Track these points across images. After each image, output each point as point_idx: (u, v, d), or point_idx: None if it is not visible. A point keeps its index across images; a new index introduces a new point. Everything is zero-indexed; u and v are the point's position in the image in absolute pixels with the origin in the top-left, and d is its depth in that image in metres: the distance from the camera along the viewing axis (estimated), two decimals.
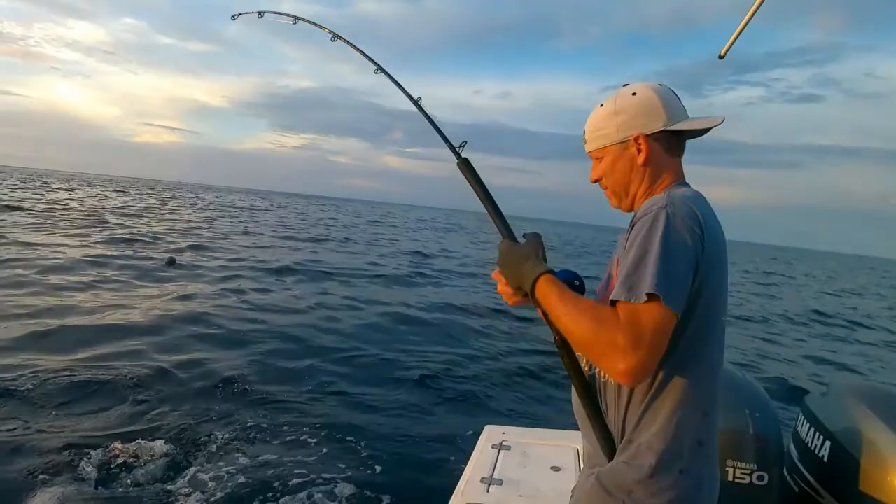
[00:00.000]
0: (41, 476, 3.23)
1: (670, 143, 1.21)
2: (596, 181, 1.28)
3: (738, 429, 1.82)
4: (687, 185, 1.22)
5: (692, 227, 1.04)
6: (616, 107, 1.20)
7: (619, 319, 0.98)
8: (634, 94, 1.20)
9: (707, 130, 1.22)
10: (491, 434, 2.29)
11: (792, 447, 2.41)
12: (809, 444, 2.28)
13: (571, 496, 1.24)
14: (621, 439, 1.13)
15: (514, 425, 2.43)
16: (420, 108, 1.50)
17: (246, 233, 21.66)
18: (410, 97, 1.53)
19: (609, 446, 1.14)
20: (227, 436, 4.01)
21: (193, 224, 22.52)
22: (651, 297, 0.97)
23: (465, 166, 1.34)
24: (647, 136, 1.18)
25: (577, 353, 1.18)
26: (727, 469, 1.77)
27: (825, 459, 2.16)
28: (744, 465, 1.77)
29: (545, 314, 1.12)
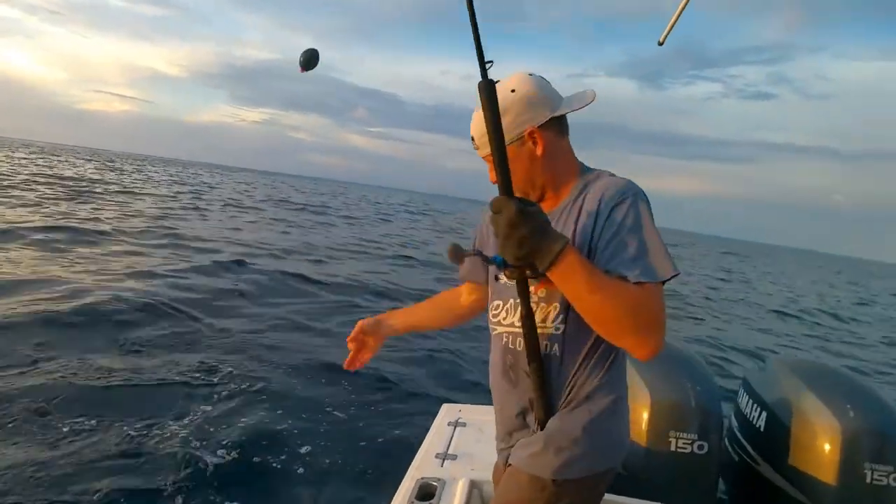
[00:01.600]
0: None
1: (559, 127, 1.23)
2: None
3: (681, 401, 1.91)
4: (587, 168, 1.28)
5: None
6: (501, 107, 1.11)
7: (648, 298, 1.03)
8: (513, 90, 1.20)
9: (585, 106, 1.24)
10: (448, 412, 2.33)
11: (733, 419, 2.55)
12: (748, 416, 2.42)
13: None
14: (559, 406, 1.22)
15: (472, 403, 2.48)
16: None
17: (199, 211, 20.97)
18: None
19: (546, 413, 1.23)
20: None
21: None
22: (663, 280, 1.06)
23: (488, 89, 1.05)
24: (539, 127, 1.20)
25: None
26: (669, 439, 1.86)
27: (762, 429, 2.30)
28: (685, 435, 1.86)
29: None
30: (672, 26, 1.49)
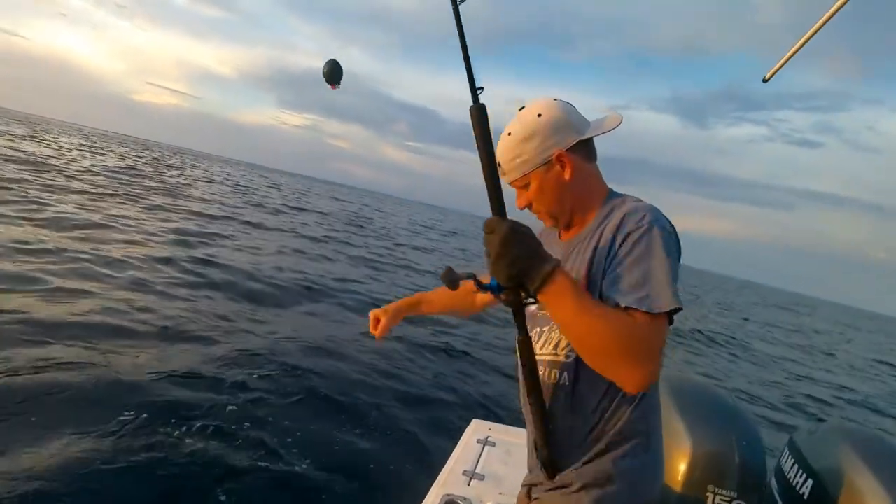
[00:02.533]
0: None
1: (586, 150, 1.24)
2: (525, 207, 1.27)
3: (724, 454, 1.83)
4: (615, 193, 1.27)
5: (676, 243, 1.11)
6: (527, 131, 1.20)
7: (640, 328, 1.00)
8: (540, 115, 1.20)
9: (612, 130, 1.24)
10: (477, 428, 2.31)
11: (773, 480, 2.42)
12: (791, 480, 2.29)
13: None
14: (576, 445, 1.19)
15: (502, 423, 2.45)
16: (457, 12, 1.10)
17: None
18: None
19: (550, 450, 1.20)
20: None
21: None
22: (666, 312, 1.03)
23: (479, 114, 1.07)
24: (567, 150, 1.20)
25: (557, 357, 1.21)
26: (707, 494, 1.78)
27: (805, 497, 2.17)
28: (724, 492, 1.78)
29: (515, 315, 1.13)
30: (782, 65, 1.45)
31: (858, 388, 12.33)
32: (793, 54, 1.39)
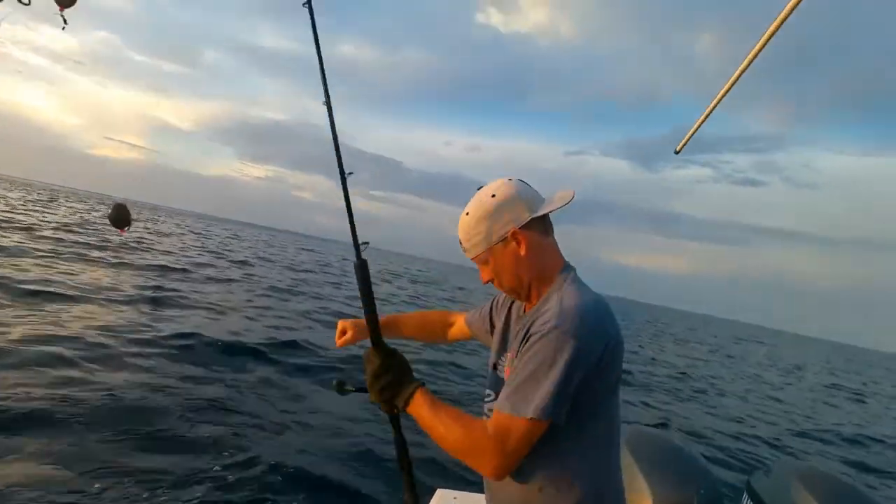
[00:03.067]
0: None
1: (541, 226, 1.30)
2: (489, 281, 1.36)
3: (684, 502, 1.88)
4: (570, 266, 1.34)
5: (591, 348, 1.14)
6: (482, 211, 1.29)
7: (488, 429, 1.15)
8: (494, 195, 1.29)
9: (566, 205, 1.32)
10: (442, 498, 2.29)
11: None
12: None
13: None
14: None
15: (469, 489, 2.42)
16: (344, 183, 1.41)
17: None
18: (342, 172, 1.41)
19: None
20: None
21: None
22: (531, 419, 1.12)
23: (361, 269, 1.36)
24: (521, 227, 1.27)
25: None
26: None
27: None
28: None
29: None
30: (689, 138, 1.59)
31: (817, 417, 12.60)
32: (697, 128, 1.53)
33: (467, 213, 1.32)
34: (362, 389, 1.34)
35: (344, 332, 1.68)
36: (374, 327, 1.35)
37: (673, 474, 1.98)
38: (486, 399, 1.40)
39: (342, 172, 1.39)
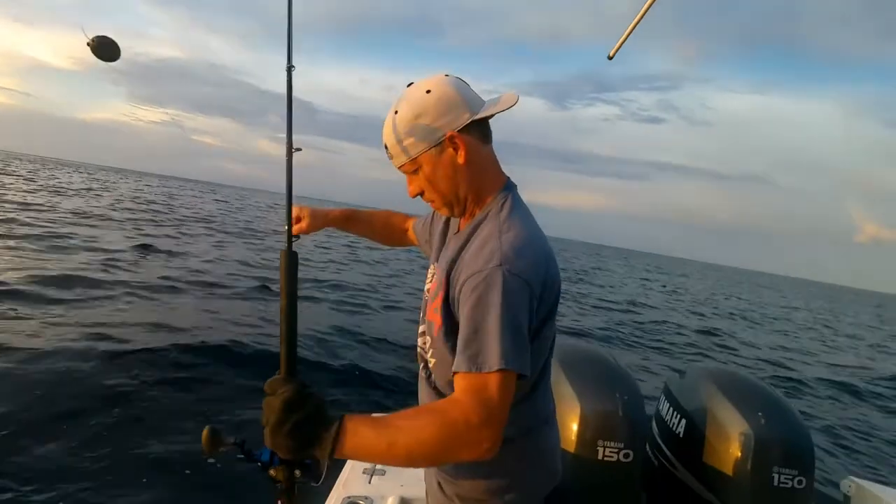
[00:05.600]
0: None
1: (481, 131, 1.14)
2: (417, 195, 1.18)
3: (609, 411, 1.95)
4: (511, 184, 1.19)
5: (530, 281, 1.00)
6: (415, 109, 1.09)
7: (461, 400, 0.93)
8: (429, 91, 1.09)
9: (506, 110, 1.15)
10: None
11: (654, 425, 2.65)
12: (668, 422, 2.52)
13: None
14: None
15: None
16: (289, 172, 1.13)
17: None
18: (289, 153, 1.13)
19: None
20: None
21: None
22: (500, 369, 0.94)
23: (289, 263, 1.07)
24: (460, 131, 1.10)
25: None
26: (598, 448, 1.89)
27: (680, 435, 2.40)
28: (612, 444, 1.90)
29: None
30: (621, 44, 1.52)
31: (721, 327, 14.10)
32: (630, 31, 1.47)
33: (396, 112, 1.12)
34: (242, 448, 0.96)
35: (298, 220, 1.46)
36: (290, 351, 1.03)
37: (599, 384, 2.04)
38: (419, 333, 1.24)
39: (290, 154, 1.10)
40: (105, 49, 1.14)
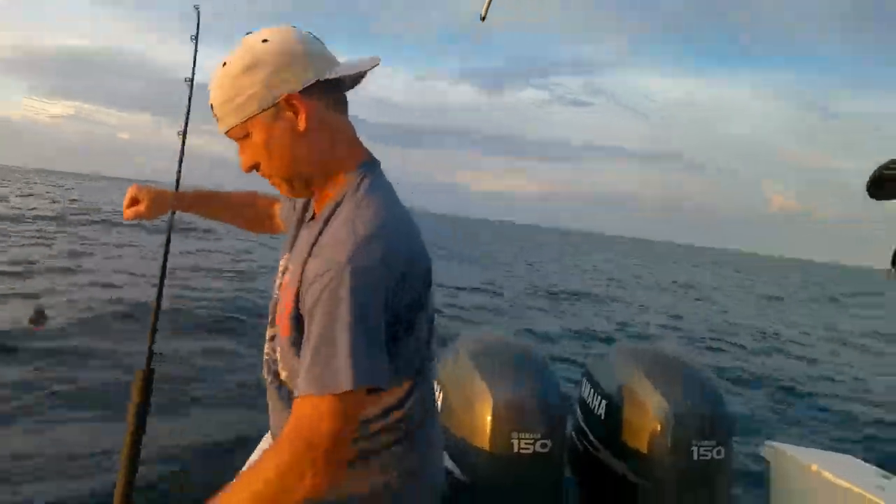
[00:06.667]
0: None
1: (332, 97, 0.95)
2: (252, 169, 0.98)
3: (523, 399, 1.85)
4: (373, 161, 1.01)
5: (387, 273, 0.86)
6: (248, 61, 0.89)
7: (289, 434, 0.80)
8: (266, 41, 0.90)
9: (364, 75, 0.99)
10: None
11: (577, 409, 2.58)
12: (590, 404, 2.46)
13: None
14: None
15: None
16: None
17: None
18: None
19: None
20: None
21: None
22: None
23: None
24: (302, 92, 0.91)
25: None
26: (512, 441, 1.78)
27: (602, 417, 2.34)
28: (528, 435, 1.80)
29: None
30: (490, 2, 1.42)
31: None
32: None
33: (224, 64, 0.92)
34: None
35: (135, 202, 1.23)
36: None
37: (510, 372, 1.93)
38: (268, 339, 1.06)
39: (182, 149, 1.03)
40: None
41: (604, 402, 2.35)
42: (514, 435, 1.78)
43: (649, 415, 2.09)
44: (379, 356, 0.83)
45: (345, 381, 0.78)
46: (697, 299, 19.83)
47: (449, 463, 1.92)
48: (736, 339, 11.26)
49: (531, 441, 1.80)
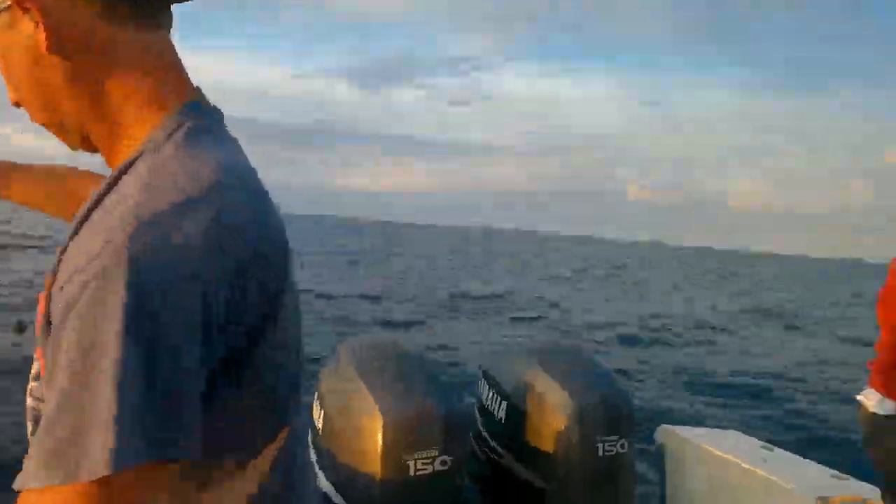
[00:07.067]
0: None
1: (119, 6, 0.59)
2: (17, 104, 0.64)
3: (415, 414, 1.61)
4: (198, 105, 0.63)
5: (205, 272, 0.49)
6: None
7: None
8: None
9: None
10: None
11: (477, 414, 2.41)
12: (490, 407, 2.29)
13: None
14: None
15: None
16: None
17: None
18: None
19: None
20: None
21: None
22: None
23: None
24: None
25: None
26: (407, 463, 1.54)
27: (503, 421, 2.18)
28: (424, 454, 1.57)
29: None
30: None
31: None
32: None
33: None
34: None
35: None
36: None
37: (400, 383, 1.69)
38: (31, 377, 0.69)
39: None
40: None
41: (504, 403, 2.19)
42: (410, 456, 1.55)
43: (552, 413, 1.96)
44: (174, 416, 0.47)
45: (100, 461, 0.43)
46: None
47: (335, 497, 1.64)
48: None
49: (429, 460, 1.58)
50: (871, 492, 2.08)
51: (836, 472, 2.38)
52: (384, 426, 1.55)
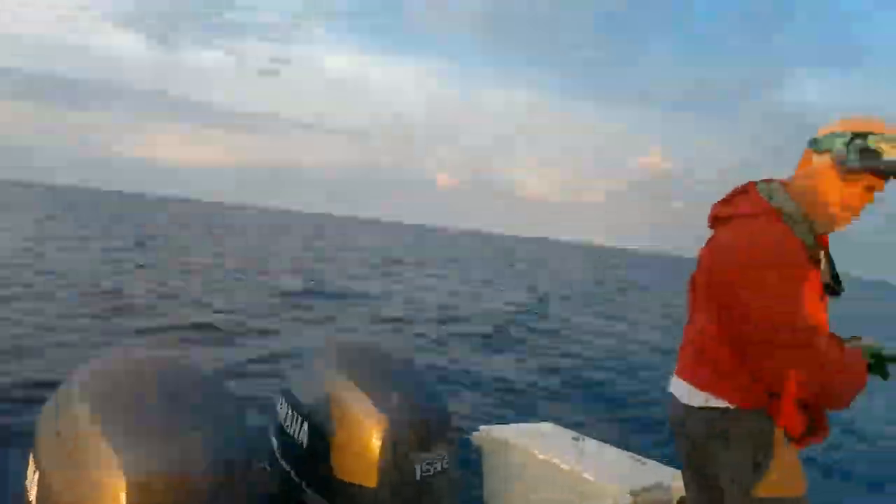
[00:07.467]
0: None
1: None
2: None
3: (171, 468, 1.15)
4: None
5: None
6: None
7: None
8: None
9: None
10: None
11: (274, 440, 1.99)
12: (290, 431, 1.89)
13: None
14: None
15: None
16: None
17: None
18: None
19: None
20: None
21: None
22: None
23: None
24: None
25: None
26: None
27: (304, 445, 1.80)
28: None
29: None
30: None
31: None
32: None
33: None
34: None
35: None
36: None
37: (161, 423, 1.21)
38: None
39: None
40: None
41: (305, 424, 1.81)
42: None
43: (363, 434, 1.64)
44: None
45: None
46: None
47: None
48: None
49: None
50: (674, 475, 2.16)
51: (640, 458, 2.48)
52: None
